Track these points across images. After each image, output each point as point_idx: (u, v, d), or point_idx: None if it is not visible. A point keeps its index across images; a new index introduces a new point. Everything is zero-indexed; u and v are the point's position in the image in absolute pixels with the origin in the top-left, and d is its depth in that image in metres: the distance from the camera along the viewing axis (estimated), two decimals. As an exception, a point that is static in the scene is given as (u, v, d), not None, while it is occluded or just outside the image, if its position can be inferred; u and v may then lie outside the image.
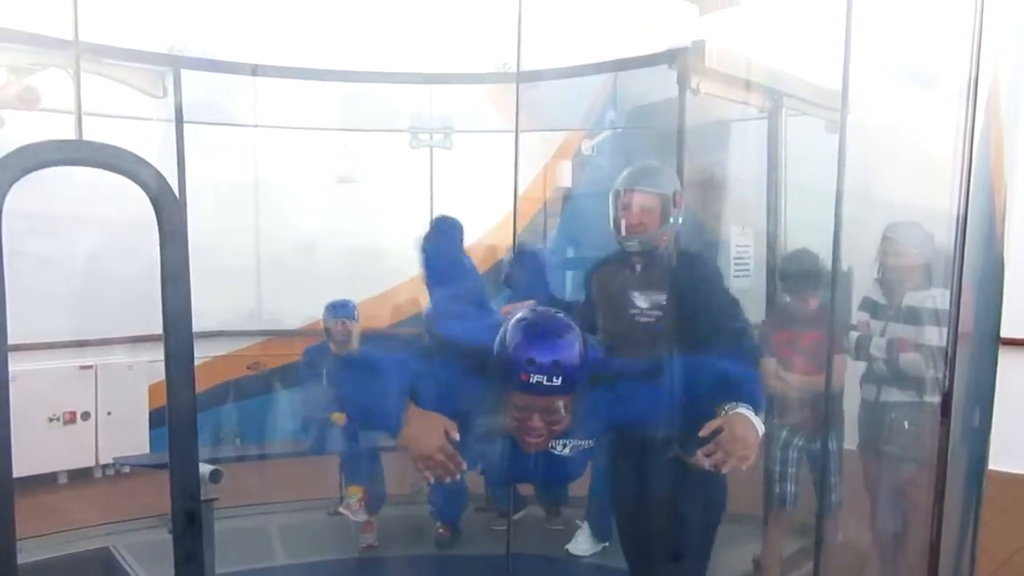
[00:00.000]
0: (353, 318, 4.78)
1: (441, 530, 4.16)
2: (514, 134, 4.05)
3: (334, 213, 5.54)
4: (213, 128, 4.86)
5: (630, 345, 2.64)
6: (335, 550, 4.22)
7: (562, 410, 1.84)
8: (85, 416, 5.50)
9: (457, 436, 1.81)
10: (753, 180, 3.83)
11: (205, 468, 3.44)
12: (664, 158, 3.91)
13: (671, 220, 2.63)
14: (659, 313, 2.59)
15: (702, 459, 2.33)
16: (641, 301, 2.62)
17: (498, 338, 1.87)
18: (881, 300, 3.35)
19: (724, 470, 1.78)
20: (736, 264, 3.72)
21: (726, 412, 1.88)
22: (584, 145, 5.80)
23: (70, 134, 3.19)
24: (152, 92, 4.00)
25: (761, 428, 1.85)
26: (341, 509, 4.22)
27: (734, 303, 2.67)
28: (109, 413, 5.59)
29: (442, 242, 3.13)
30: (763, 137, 3.78)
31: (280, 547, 4.29)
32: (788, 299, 3.51)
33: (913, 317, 3.21)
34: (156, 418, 5.53)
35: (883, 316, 3.31)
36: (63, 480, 5.52)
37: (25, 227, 3.21)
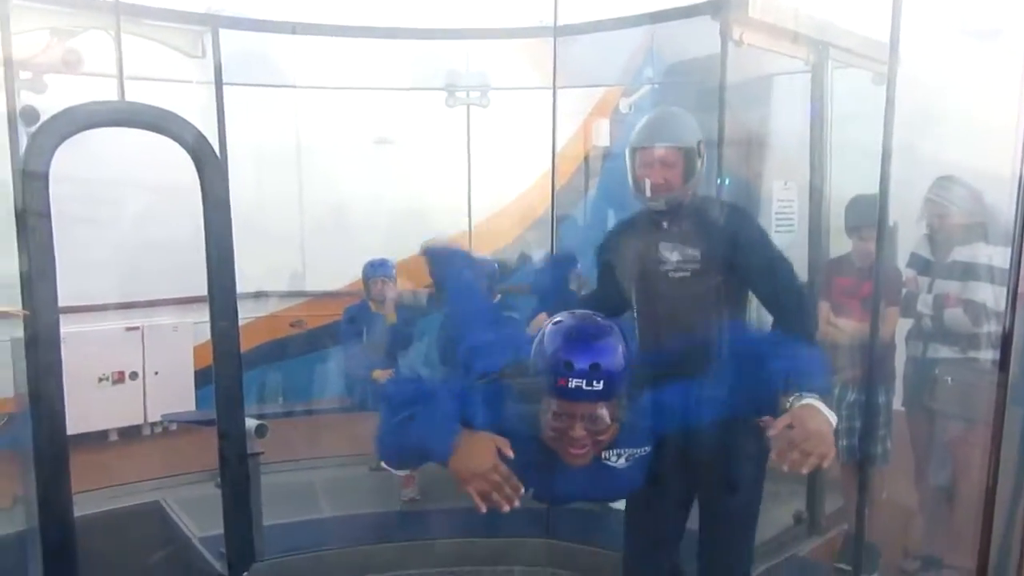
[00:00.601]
0: (391, 276, 4.82)
1: (481, 485, 4.20)
2: (552, 91, 4.01)
3: (373, 173, 5.55)
4: (253, 89, 4.88)
5: (665, 308, 2.46)
6: (378, 503, 4.29)
7: (606, 417, 1.70)
8: (133, 376, 5.64)
9: (511, 454, 1.69)
10: (797, 135, 3.74)
11: (251, 423, 3.52)
12: (704, 114, 3.83)
13: (698, 171, 2.42)
14: (695, 267, 2.38)
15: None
16: (673, 256, 2.41)
17: (535, 343, 1.77)
18: (929, 256, 3.29)
19: (805, 471, 1.61)
20: (778, 219, 3.65)
21: (790, 405, 1.73)
22: (622, 103, 5.72)
23: (112, 97, 3.21)
24: (191, 52, 4.01)
25: (834, 418, 1.70)
26: (383, 464, 4.28)
27: (781, 256, 2.46)
28: (156, 373, 5.73)
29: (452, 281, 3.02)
30: (808, 91, 3.68)
31: (325, 501, 4.38)
32: (852, 243, 3.46)
33: (960, 273, 3.16)
34: (201, 378, 5.65)
35: (931, 272, 3.26)
36: (113, 438, 5.68)
37: (73, 192, 3.26)
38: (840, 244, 3.62)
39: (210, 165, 3.33)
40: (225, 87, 3.51)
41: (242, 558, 3.52)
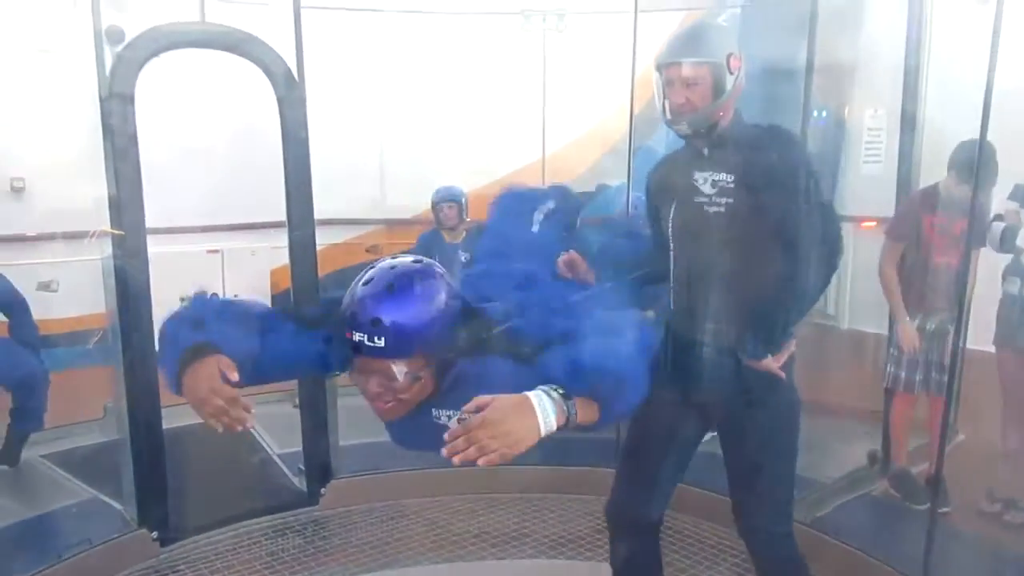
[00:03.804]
0: (459, 201, 4.81)
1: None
2: (633, 13, 3.89)
3: (449, 100, 5.49)
4: (333, 12, 4.86)
5: (701, 251, 2.22)
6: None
7: (398, 376, 1.53)
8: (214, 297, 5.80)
9: (235, 376, 1.52)
10: (890, 60, 3.55)
11: (328, 346, 3.59)
12: (793, 39, 3.67)
13: (727, 90, 2.15)
14: (730, 201, 2.14)
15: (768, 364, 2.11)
16: (707, 186, 2.17)
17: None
18: None
19: (456, 460, 1.38)
20: (866, 149, 3.51)
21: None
22: (703, 28, 5.51)
23: (193, 18, 3.24)
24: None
25: (547, 427, 1.42)
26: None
27: (823, 207, 2.15)
28: (235, 295, 5.88)
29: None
30: (904, 10, 3.47)
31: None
32: (953, 186, 3.26)
33: None
34: (276, 302, 5.79)
35: None
36: (195, 356, 5.87)
37: (155, 115, 3.32)
38: (931, 177, 3.46)
39: (288, 89, 3.35)
40: (304, 10, 3.50)
41: (320, 475, 3.65)
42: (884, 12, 3.79)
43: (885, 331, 3.75)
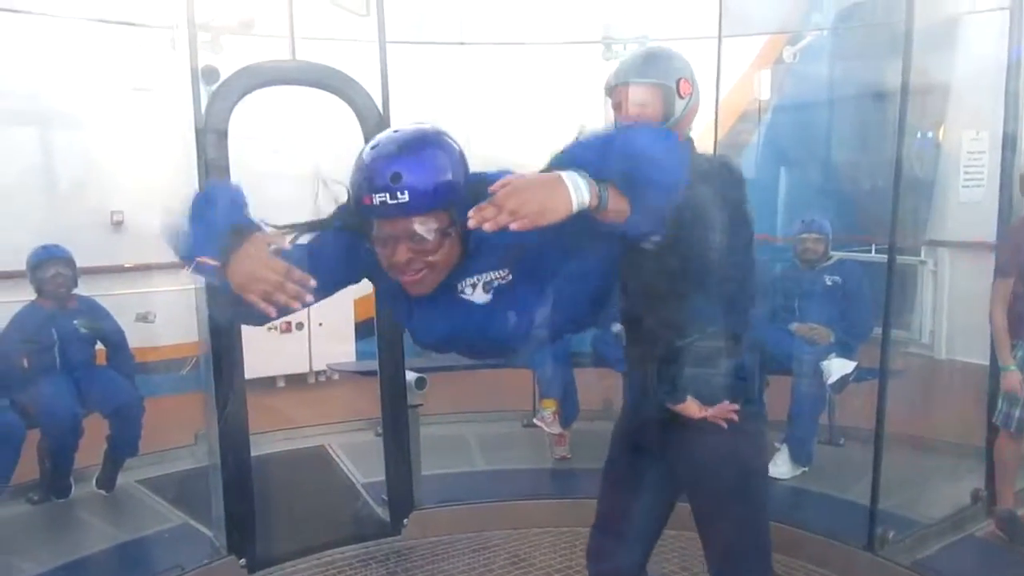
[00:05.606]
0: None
1: (634, 446, 4.15)
2: (717, 39, 3.86)
3: (531, 129, 5.53)
4: (418, 47, 4.96)
5: (638, 286, 2.05)
6: (530, 459, 4.34)
7: (428, 233, 1.48)
8: (299, 326, 5.94)
9: (286, 243, 1.48)
10: (990, 80, 3.42)
11: (411, 375, 3.61)
12: (883, 61, 3.57)
13: (677, 113, 2.10)
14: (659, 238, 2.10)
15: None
16: None
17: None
18: None
19: (487, 228, 1.35)
20: (966, 173, 3.37)
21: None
22: (786, 52, 5.44)
23: (284, 57, 3.33)
24: (357, 11, 4.11)
25: (578, 200, 1.40)
26: (536, 421, 4.31)
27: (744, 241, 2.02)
28: (320, 324, 6.01)
29: None
30: (1004, 30, 3.34)
31: (479, 454, 4.46)
32: None
33: None
34: (360, 331, 5.88)
35: None
36: (281, 384, 6.02)
37: (248, 145, 3.42)
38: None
39: (373, 122, 3.41)
40: (390, 44, 3.57)
41: (403, 505, 3.65)
42: (982, 32, 3.65)
43: (985, 361, 3.59)
